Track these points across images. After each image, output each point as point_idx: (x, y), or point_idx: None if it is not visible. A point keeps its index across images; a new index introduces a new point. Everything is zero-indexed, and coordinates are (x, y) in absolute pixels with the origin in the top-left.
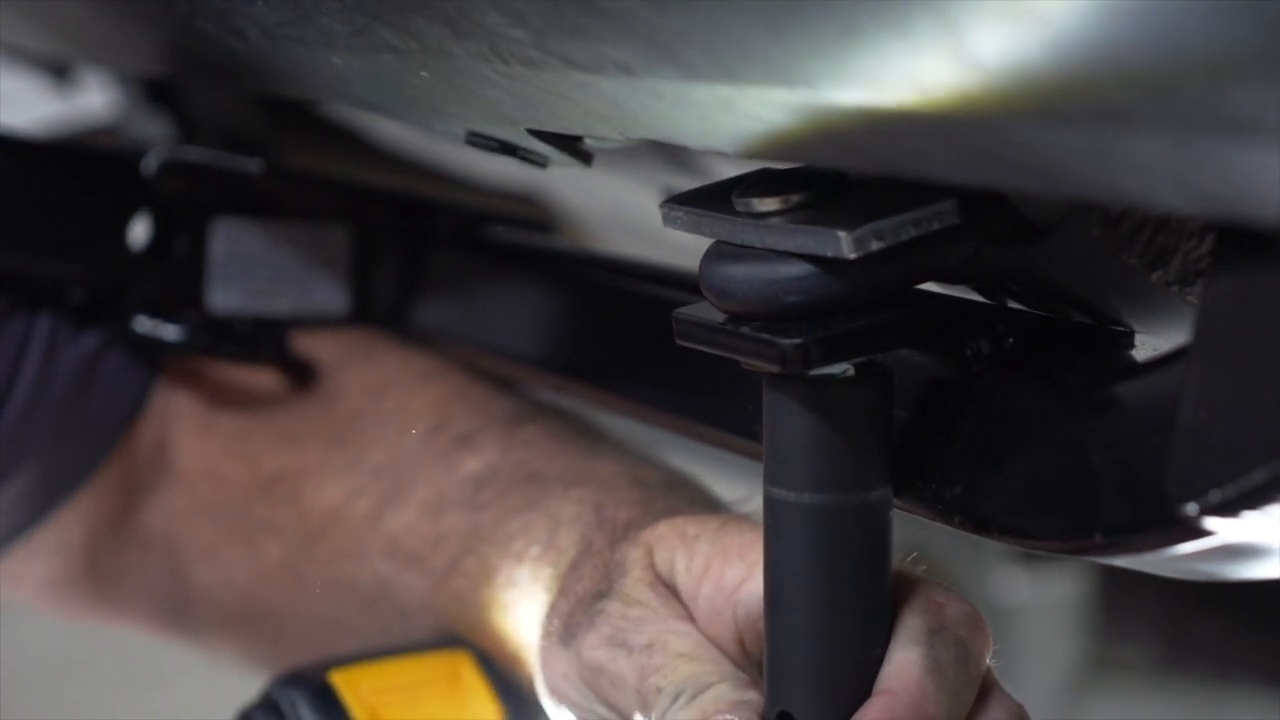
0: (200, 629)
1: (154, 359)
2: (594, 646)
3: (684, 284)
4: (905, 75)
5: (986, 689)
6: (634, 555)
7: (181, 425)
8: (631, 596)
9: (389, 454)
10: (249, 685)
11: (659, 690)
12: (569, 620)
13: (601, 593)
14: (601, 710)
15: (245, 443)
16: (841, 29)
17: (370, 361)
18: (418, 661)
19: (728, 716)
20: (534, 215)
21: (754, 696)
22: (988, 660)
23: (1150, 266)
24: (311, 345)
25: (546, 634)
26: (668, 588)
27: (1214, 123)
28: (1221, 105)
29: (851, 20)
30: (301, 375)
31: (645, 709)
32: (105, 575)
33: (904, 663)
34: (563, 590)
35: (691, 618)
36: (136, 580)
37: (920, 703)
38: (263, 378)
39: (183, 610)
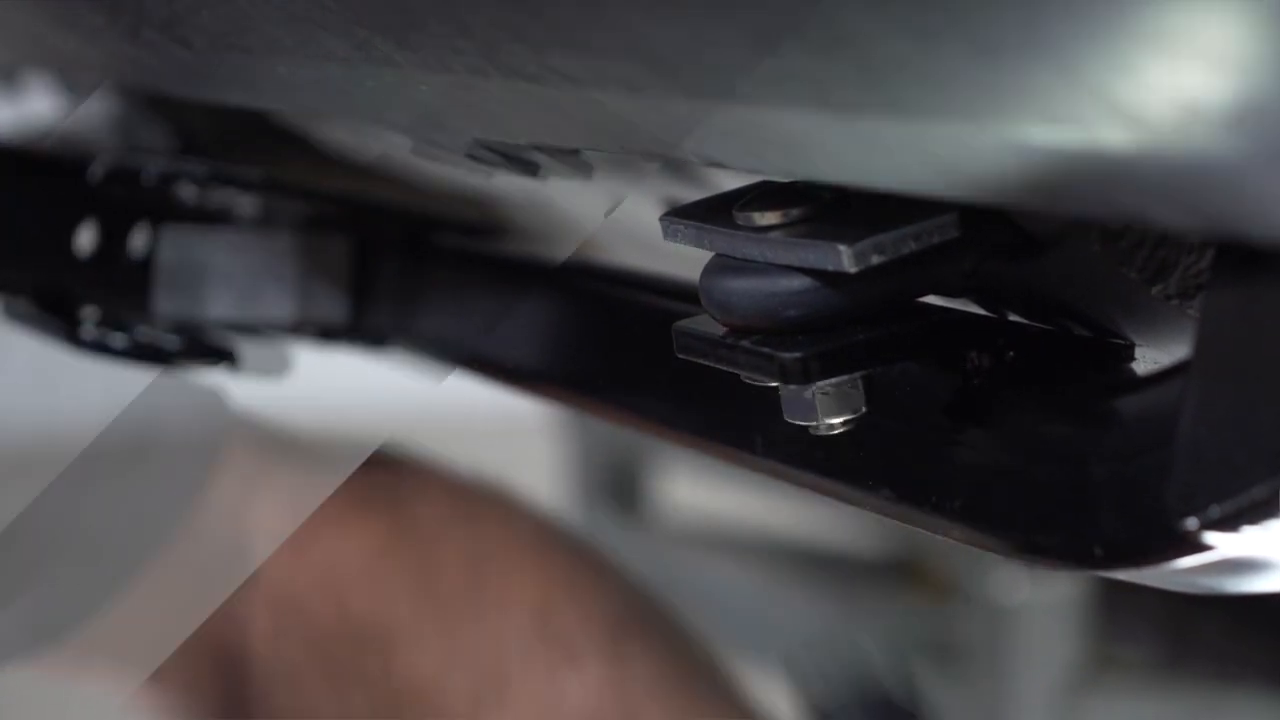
0: None
1: (214, 438)
2: None
3: (685, 295)
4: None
5: None
6: None
7: (263, 534)
8: None
9: (489, 637)
10: None
11: None
12: None
13: None
14: None
15: (333, 575)
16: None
17: (473, 523)
18: None
19: None
20: (484, 219)
21: None
22: None
23: (1150, 280)
24: (416, 499)
25: None
26: None
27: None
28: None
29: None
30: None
31: None
32: (172, 684)
33: None
34: None
35: None
36: (207, 691)
37: None
38: (348, 492)
39: None
